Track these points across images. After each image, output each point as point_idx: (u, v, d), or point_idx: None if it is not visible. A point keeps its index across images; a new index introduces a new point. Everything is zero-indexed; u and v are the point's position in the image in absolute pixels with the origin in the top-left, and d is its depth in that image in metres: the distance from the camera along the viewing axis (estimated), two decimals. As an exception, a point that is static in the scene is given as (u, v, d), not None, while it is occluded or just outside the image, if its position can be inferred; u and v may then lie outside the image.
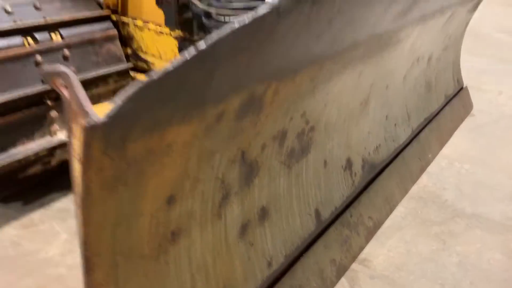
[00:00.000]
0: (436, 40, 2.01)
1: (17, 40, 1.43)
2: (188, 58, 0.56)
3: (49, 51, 1.49)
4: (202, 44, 0.57)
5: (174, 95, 0.59)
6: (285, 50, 0.77)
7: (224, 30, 0.59)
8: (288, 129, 1.09)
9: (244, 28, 0.61)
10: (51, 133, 1.54)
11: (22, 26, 1.45)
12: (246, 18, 0.61)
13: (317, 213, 1.31)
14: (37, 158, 1.54)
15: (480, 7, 2.47)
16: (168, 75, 0.55)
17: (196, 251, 0.88)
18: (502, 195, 1.83)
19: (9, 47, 1.40)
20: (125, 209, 0.67)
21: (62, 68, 0.61)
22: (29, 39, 1.46)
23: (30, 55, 1.44)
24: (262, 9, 0.63)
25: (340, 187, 1.45)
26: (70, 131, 0.63)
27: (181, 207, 0.82)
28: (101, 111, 0.53)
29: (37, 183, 1.69)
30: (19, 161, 1.44)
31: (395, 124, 1.83)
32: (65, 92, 0.63)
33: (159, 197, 0.76)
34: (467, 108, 2.64)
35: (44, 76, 0.68)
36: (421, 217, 1.67)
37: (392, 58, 1.55)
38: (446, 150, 2.19)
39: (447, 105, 2.38)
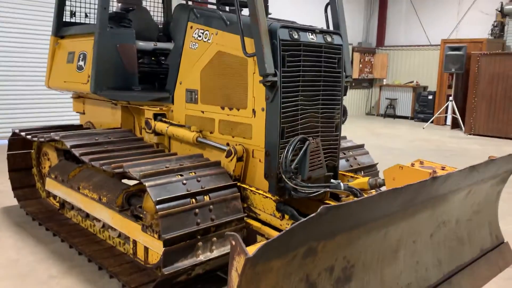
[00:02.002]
0: (461, 207, 2.76)
1: (187, 200, 2.53)
2: (290, 230, 1.49)
3: (202, 206, 2.57)
4: (296, 227, 1.50)
5: (280, 247, 1.51)
6: (332, 232, 1.68)
7: (305, 224, 1.52)
8: (335, 265, 1.93)
9: (311, 221, 1.54)
10: (196, 256, 2.54)
11: (191, 192, 2.56)
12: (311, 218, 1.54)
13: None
14: (185, 270, 2.52)
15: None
16: (279, 239, 1.48)
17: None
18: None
19: (182, 205, 2.50)
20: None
21: (232, 233, 1.58)
22: (193, 200, 2.56)
23: (192, 209, 2.53)
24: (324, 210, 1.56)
25: (376, 310, 2.17)
26: (233, 259, 1.57)
27: (274, 300, 1.69)
28: (250, 250, 1.47)
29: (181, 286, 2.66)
30: (179, 271, 2.43)
31: (426, 268, 2.53)
32: (232, 242, 1.59)
33: (265, 292, 1.65)
34: (508, 260, 3.17)
35: (226, 235, 1.64)
36: None
37: (415, 223, 2.35)
38: (477, 293, 2.76)
39: (483, 257, 2.98)
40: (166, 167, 2.69)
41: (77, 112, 4.47)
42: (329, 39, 2.93)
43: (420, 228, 2.43)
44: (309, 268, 1.81)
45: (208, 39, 3.09)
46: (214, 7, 4.04)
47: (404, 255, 2.37)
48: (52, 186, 3.79)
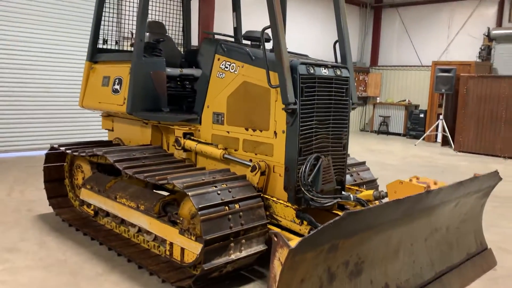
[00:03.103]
0: (450, 216, 3.26)
1: (222, 207, 3.01)
2: (321, 229, 1.98)
3: (234, 213, 3.04)
4: (325, 227, 1.99)
5: (313, 242, 2.00)
6: (350, 232, 2.17)
7: (331, 225, 2.01)
8: (350, 260, 2.42)
9: (336, 223, 2.03)
10: (229, 255, 3.00)
11: (225, 200, 3.04)
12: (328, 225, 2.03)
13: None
14: (218, 268, 2.98)
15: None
16: (311, 237, 1.97)
17: (308, 306, 2.19)
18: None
19: (218, 211, 2.98)
20: (289, 280, 2.05)
21: (275, 231, 2.05)
22: (226, 207, 3.04)
23: (226, 215, 3.00)
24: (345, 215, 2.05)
25: (381, 299, 2.65)
26: (276, 251, 2.04)
27: (304, 285, 2.16)
28: (292, 243, 1.95)
29: (213, 282, 3.12)
30: (214, 268, 2.89)
31: (421, 267, 3.01)
32: (275, 238, 2.07)
33: (298, 279, 2.12)
34: (490, 264, 3.67)
35: (270, 233, 2.12)
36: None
37: (412, 229, 2.84)
38: (464, 290, 3.25)
39: (469, 260, 3.47)
40: (203, 180, 3.17)
41: (105, 129, 4.94)
42: (338, 72, 3.45)
43: (416, 233, 2.93)
44: (331, 261, 2.29)
45: (234, 70, 3.61)
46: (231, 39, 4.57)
47: (403, 255, 2.86)
48: (88, 195, 4.24)
